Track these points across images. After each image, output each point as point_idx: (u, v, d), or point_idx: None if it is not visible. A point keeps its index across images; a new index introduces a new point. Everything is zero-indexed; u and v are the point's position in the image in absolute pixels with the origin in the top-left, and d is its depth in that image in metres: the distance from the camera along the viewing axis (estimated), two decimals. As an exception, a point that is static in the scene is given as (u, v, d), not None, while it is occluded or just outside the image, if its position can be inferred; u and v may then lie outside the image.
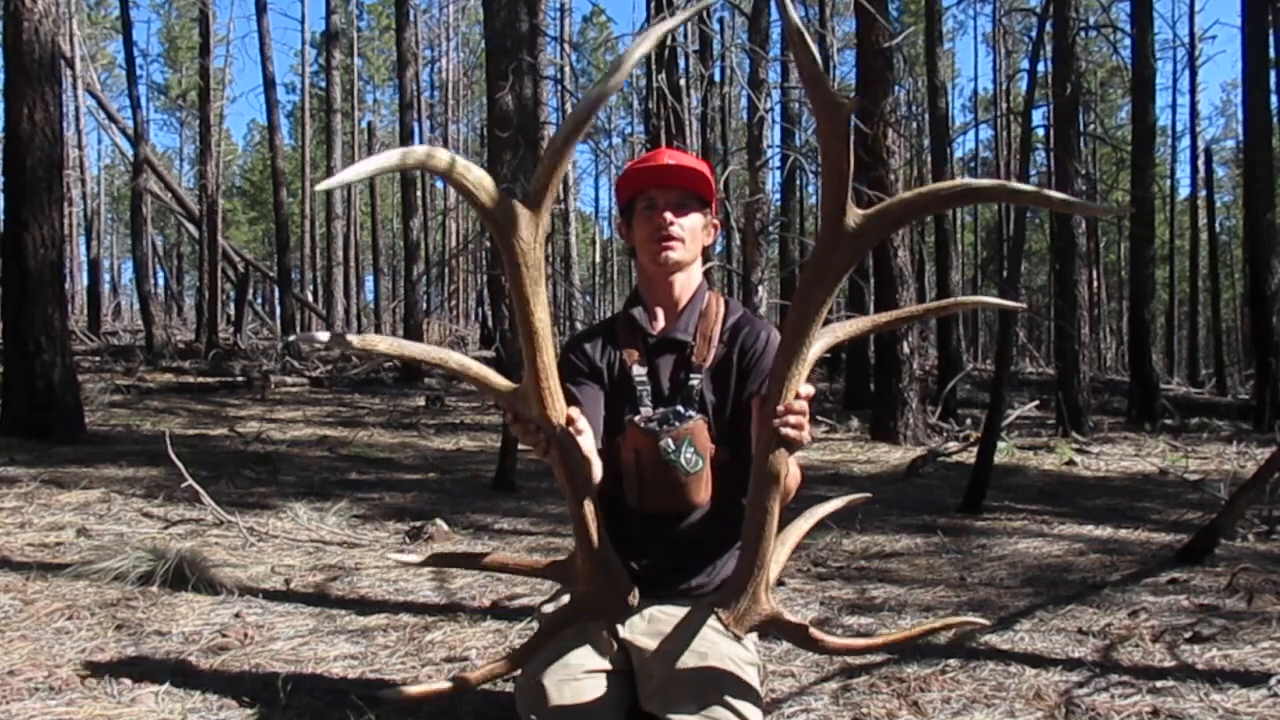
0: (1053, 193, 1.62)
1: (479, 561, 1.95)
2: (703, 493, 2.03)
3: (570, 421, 1.77)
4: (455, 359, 1.72)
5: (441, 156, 1.56)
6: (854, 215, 1.56)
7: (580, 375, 2.12)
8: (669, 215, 2.06)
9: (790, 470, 1.81)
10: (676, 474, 2.01)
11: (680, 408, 2.05)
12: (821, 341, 1.71)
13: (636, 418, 2.05)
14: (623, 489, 2.06)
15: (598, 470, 1.95)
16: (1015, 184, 1.62)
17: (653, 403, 2.08)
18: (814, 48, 1.43)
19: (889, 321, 1.93)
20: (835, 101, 1.44)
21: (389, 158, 1.53)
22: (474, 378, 1.72)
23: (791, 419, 1.69)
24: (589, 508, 1.80)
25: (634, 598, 1.88)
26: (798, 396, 1.71)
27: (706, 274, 2.26)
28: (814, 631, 1.84)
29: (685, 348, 2.11)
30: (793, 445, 1.73)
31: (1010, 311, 6.66)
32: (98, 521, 4.51)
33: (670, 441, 2.00)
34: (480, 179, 1.60)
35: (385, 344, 1.73)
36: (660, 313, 2.15)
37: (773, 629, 1.85)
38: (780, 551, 1.87)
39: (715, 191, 2.16)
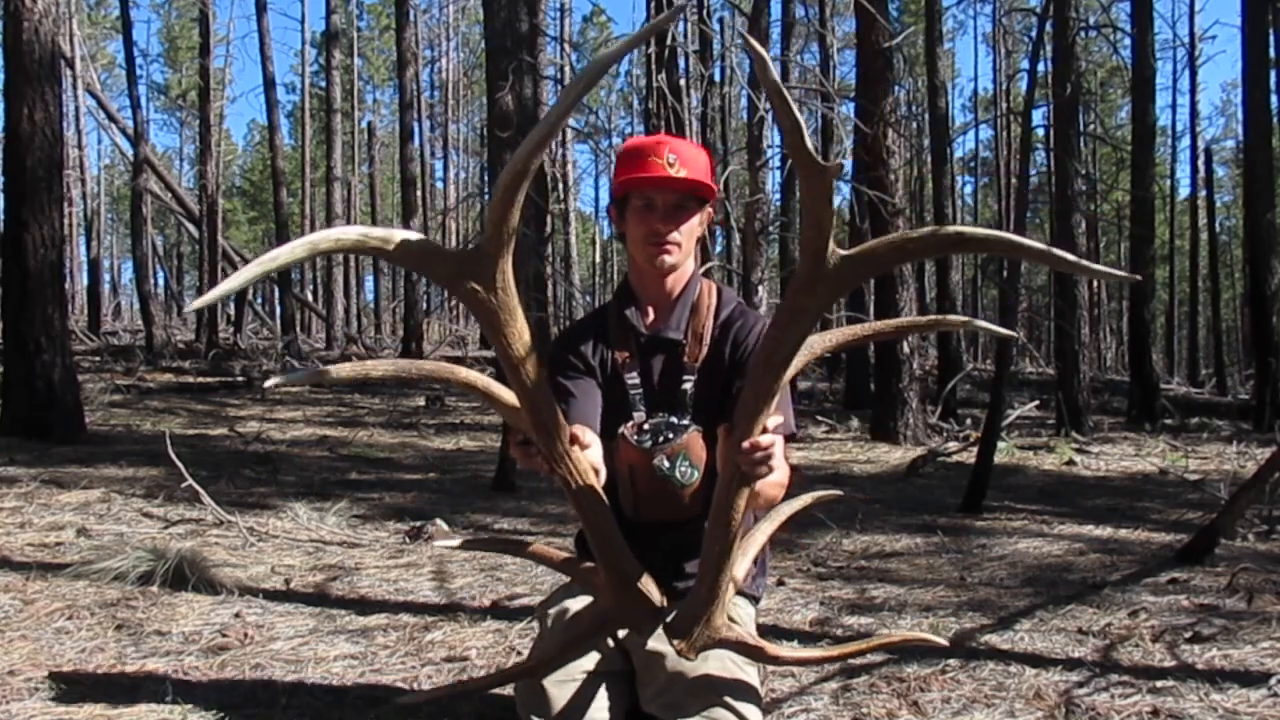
0: (1060, 252, 1.47)
1: (523, 550, 1.91)
2: (699, 501, 2.00)
3: (574, 440, 1.73)
4: (461, 374, 1.66)
5: (377, 234, 1.46)
6: (835, 257, 1.50)
7: (574, 371, 2.10)
8: (664, 226, 2.03)
9: (775, 478, 1.81)
10: (671, 487, 2.00)
11: (674, 417, 2.03)
12: (798, 360, 1.67)
13: (629, 428, 2.02)
14: (618, 495, 2.03)
15: (603, 476, 1.93)
16: (1016, 237, 1.51)
17: (645, 406, 2.06)
18: (796, 110, 1.36)
19: (867, 335, 1.91)
20: (818, 165, 1.41)
21: (295, 248, 1.44)
22: (482, 392, 1.67)
23: (757, 455, 1.65)
24: (604, 526, 1.76)
25: (662, 606, 1.83)
26: (765, 430, 1.66)
27: (706, 274, 2.25)
28: (769, 649, 1.85)
29: (677, 347, 2.09)
30: (756, 481, 1.71)
31: (1009, 314, 6.66)
32: (98, 521, 4.51)
33: (664, 459, 1.98)
34: (406, 244, 1.50)
35: (385, 366, 1.67)
36: (651, 308, 2.13)
37: (728, 649, 1.84)
38: (741, 561, 1.85)
39: (715, 184, 2.13)
